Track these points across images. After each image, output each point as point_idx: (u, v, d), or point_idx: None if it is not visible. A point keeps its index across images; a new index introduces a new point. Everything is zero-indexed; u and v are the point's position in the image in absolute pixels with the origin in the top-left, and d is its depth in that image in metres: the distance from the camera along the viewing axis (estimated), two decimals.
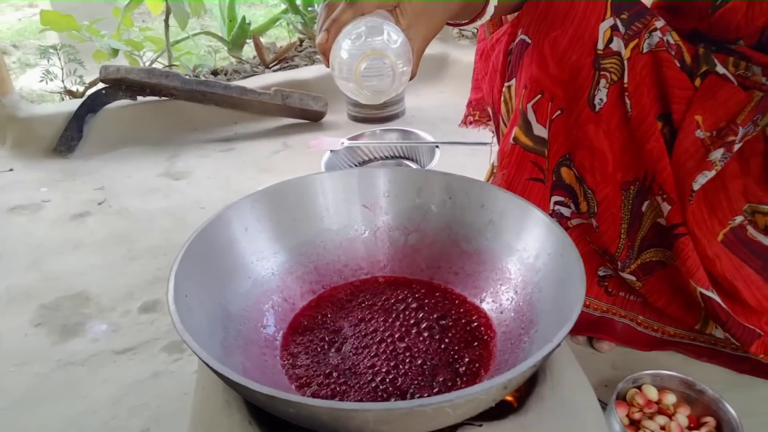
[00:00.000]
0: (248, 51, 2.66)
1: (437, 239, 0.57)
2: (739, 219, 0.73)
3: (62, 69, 2.04)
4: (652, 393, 0.75)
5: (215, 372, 0.35)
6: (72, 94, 1.95)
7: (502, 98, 0.82)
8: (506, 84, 0.80)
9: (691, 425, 0.72)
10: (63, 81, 2.04)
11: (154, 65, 2.33)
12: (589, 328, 0.90)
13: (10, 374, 0.94)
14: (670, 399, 0.75)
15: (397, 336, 0.49)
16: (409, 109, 1.95)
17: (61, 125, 1.70)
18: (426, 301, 0.53)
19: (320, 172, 0.59)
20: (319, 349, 0.48)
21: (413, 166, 1.30)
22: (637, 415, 0.73)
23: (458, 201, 0.55)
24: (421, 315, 0.51)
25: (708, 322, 0.82)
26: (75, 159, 1.68)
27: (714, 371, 0.85)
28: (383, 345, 0.48)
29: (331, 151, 1.27)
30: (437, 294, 0.54)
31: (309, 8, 2.56)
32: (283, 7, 2.74)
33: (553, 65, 0.72)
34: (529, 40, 0.75)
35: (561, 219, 0.82)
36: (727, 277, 0.73)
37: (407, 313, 0.52)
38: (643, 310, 0.89)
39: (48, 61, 2.03)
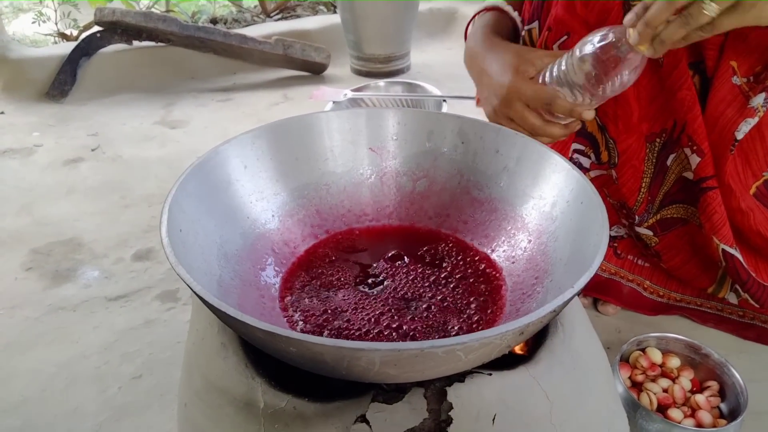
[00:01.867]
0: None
1: (447, 186, 0.54)
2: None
3: (56, 11, 1.97)
4: (656, 356, 0.74)
5: (212, 308, 0.33)
6: (66, 38, 1.88)
7: (521, 42, 0.78)
8: (527, 27, 0.77)
9: (694, 389, 0.71)
10: (56, 24, 1.97)
11: (151, 10, 2.25)
12: (595, 289, 0.89)
13: (0, 317, 0.92)
14: (674, 362, 0.73)
15: (403, 283, 0.46)
16: (415, 64, 1.90)
17: (54, 69, 1.65)
18: (433, 250, 0.51)
19: (325, 111, 0.55)
20: (320, 295, 0.46)
21: None
22: (640, 378, 0.72)
23: (471, 146, 0.52)
24: (428, 264, 0.49)
25: (723, 284, 0.80)
26: (68, 104, 1.63)
27: (718, 337, 0.84)
28: (388, 292, 0.45)
29: (334, 102, 1.22)
30: (446, 243, 0.51)
31: None
32: None
33: (581, 6, 0.69)
34: None
35: (580, 168, 0.79)
36: (761, 231, 0.71)
37: (414, 261, 0.49)
38: (651, 275, 0.87)
39: (41, 2, 1.95)
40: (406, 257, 0.50)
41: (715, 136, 0.69)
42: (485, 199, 0.51)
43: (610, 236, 0.84)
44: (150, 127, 1.52)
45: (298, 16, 2.19)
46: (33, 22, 1.91)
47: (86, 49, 1.66)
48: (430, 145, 0.54)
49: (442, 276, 0.48)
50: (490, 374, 0.37)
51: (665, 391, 0.70)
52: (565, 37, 0.70)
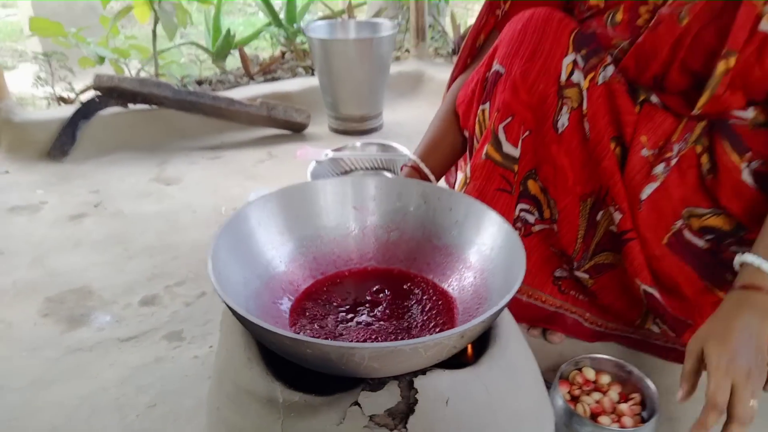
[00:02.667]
0: (231, 61, 2.77)
1: (414, 236, 0.70)
2: (679, 223, 0.87)
3: (52, 75, 2.13)
4: (590, 374, 0.89)
5: (251, 324, 0.47)
6: (64, 101, 2.03)
7: (477, 119, 0.96)
8: (481, 107, 0.94)
9: (621, 400, 0.87)
10: (53, 87, 2.12)
11: (141, 74, 2.42)
12: (544, 321, 1.04)
13: (24, 358, 1.03)
14: (604, 379, 0.89)
15: (383, 309, 0.62)
16: (387, 123, 2.09)
17: (55, 130, 1.79)
18: (405, 285, 0.66)
19: (319, 179, 0.72)
20: (320, 319, 0.61)
21: (390, 176, 1.44)
22: (577, 392, 0.87)
23: (431, 205, 0.69)
24: (401, 295, 0.64)
25: (647, 317, 0.97)
26: (68, 163, 1.77)
27: (646, 358, 1.00)
28: (372, 315, 0.61)
29: (317, 161, 1.39)
30: (414, 280, 0.67)
31: (293, 24, 2.69)
32: (266, 20, 2.87)
33: (524, 93, 0.87)
34: (502, 71, 0.89)
35: (525, 224, 0.96)
36: (671, 274, 0.88)
37: (391, 293, 0.65)
38: (590, 308, 1.03)
39: (39, 68, 2.10)
40: (385, 290, 0.65)
41: (630, 197, 0.87)
42: (442, 246, 0.68)
43: (555, 276, 1.01)
44: (146, 183, 1.67)
45: (278, 79, 2.38)
46: (32, 86, 2.05)
47: (86, 112, 1.82)
48: (400, 204, 0.70)
49: (412, 304, 0.63)
50: (445, 371, 0.52)
51: (597, 402, 0.85)
52: (510, 118, 0.88)
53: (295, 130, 2.03)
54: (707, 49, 0.78)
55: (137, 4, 2.38)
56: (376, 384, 0.51)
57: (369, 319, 0.60)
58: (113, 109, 1.86)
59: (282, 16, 2.75)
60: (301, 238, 0.67)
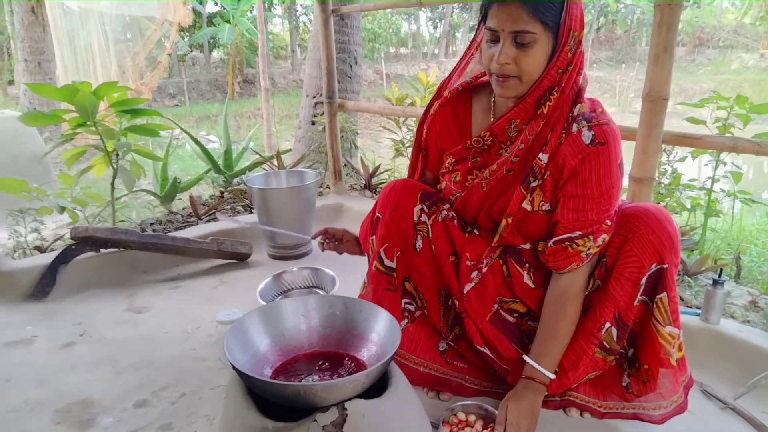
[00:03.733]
0: (177, 204, 3.22)
1: (341, 330, 1.16)
2: (495, 306, 1.39)
3: (25, 228, 2.48)
4: (461, 416, 1.34)
5: (246, 377, 0.91)
6: (40, 249, 2.38)
7: (369, 245, 1.46)
8: (371, 237, 1.45)
9: (484, 430, 1.31)
10: (26, 238, 2.47)
11: (97, 219, 2.82)
12: (435, 384, 1.49)
13: None
14: (472, 418, 1.33)
15: (326, 369, 1.07)
16: (315, 248, 2.58)
17: (37, 275, 2.13)
18: (338, 359, 1.12)
19: (280, 299, 1.17)
20: (290, 377, 1.04)
21: (322, 293, 1.91)
22: (455, 429, 1.31)
23: (349, 309, 1.16)
24: (336, 363, 1.10)
25: (494, 371, 1.46)
26: (50, 302, 2.10)
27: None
28: (319, 374, 1.05)
29: (261, 290, 1.84)
30: (341, 355, 1.13)
31: (230, 170, 3.21)
32: (207, 167, 3.38)
33: (393, 229, 1.39)
34: (380, 216, 1.41)
35: (410, 313, 1.45)
36: (493, 340, 1.38)
37: (328, 363, 1.10)
38: (469, 372, 1.50)
39: (14, 221, 2.46)
40: (326, 362, 1.10)
41: (461, 290, 1.38)
42: (358, 334, 1.14)
43: (440, 350, 1.49)
44: (121, 313, 2.03)
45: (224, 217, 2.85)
46: (8, 239, 2.39)
47: (64, 258, 2.18)
48: (331, 311, 1.17)
49: (342, 368, 1.08)
50: (362, 399, 0.97)
51: None
52: (387, 244, 1.39)
53: (241, 259, 2.47)
54: (500, 208, 1.34)
55: (96, 162, 2.83)
56: (325, 409, 0.95)
57: (318, 375, 1.05)
58: (87, 254, 2.23)
59: (220, 163, 3.28)
60: (273, 335, 1.12)
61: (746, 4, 23.07)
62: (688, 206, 2.40)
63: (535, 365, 1.27)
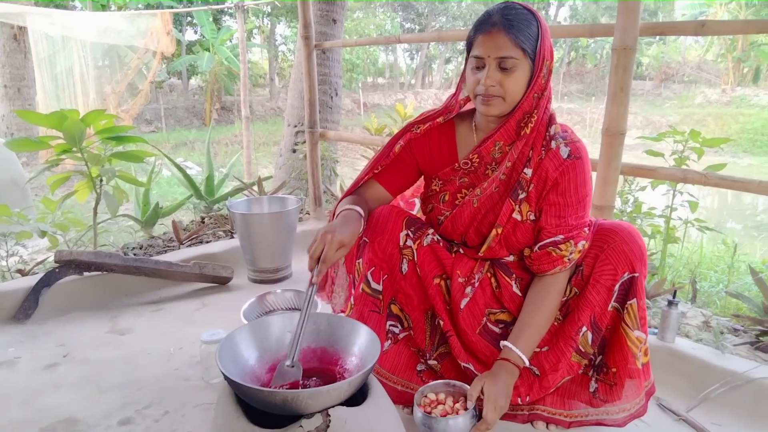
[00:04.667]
0: (158, 228, 3.27)
1: (324, 345, 1.24)
2: (484, 319, 1.49)
3: (6, 252, 2.51)
4: (432, 396, 1.36)
5: (237, 385, 0.98)
6: (21, 273, 2.40)
7: (356, 268, 1.55)
8: (357, 261, 1.54)
9: (455, 404, 1.36)
10: (7, 261, 2.49)
11: (78, 243, 2.85)
12: (412, 402, 1.57)
13: None
14: (441, 396, 1.36)
15: (312, 377, 1.14)
16: (296, 271, 2.66)
17: (19, 298, 2.16)
18: (321, 370, 1.19)
19: (266, 316, 1.25)
20: (276, 387, 1.11)
21: None
22: (428, 409, 1.35)
23: (332, 325, 1.24)
24: (320, 374, 1.17)
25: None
26: (32, 324, 2.13)
27: None
28: (307, 381, 1.13)
29: (245, 311, 1.91)
30: (325, 368, 1.20)
31: (211, 195, 3.28)
32: (187, 193, 3.44)
33: (380, 252, 1.48)
34: (367, 240, 1.51)
35: (394, 335, 1.53)
36: (483, 351, 1.47)
37: (312, 377, 1.17)
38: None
39: None
40: (311, 374, 1.18)
41: (454, 307, 1.48)
42: (340, 348, 1.23)
43: (418, 370, 1.57)
44: (104, 335, 2.07)
45: (200, 242, 2.91)
46: None
47: (47, 281, 2.22)
48: (316, 326, 1.25)
49: (327, 377, 1.16)
50: (345, 407, 1.05)
51: (442, 409, 1.35)
52: (374, 267, 1.48)
53: (222, 282, 2.53)
54: (490, 222, 1.45)
55: (79, 188, 2.88)
56: (310, 415, 1.03)
57: (305, 383, 1.13)
58: (70, 277, 2.27)
59: (202, 189, 3.35)
60: (260, 350, 1.20)
61: (708, 41, 24.17)
62: (649, 233, 2.55)
63: (512, 347, 1.37)
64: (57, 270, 2.25)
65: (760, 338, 1.79)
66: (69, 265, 2.26)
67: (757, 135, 16.95)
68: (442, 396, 1.39)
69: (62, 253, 2.25)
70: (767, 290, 1.95)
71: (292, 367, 1.14)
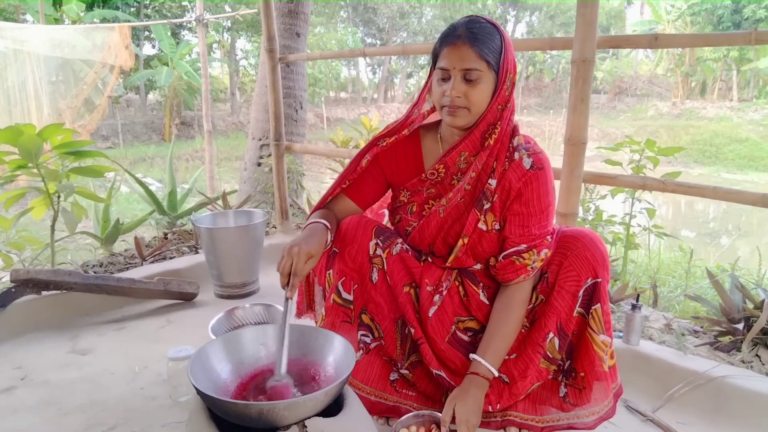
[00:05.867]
0: (119, 245, 3.18)
1: (301, 356, 1.23)
2: (453, 327, 1.50)
3: None
4: (405, 431, 1.41)
5: (211, 399, 0.96)
6: None
7: (326, 279, 1.54)
8: (327, 272, 1.54)
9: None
10: None
11: (35, 263, 2.75)
12: (386, 412, 1.57)
13: None
14: (413, 429, 1.38)
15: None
16: (263, 285, 2.63)
17: None
18: (295, 385, 1.18)
19: (239, 329, 1.23)
20: (248, 399, 1.10)
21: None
22: None
23: (307, 337, 1.23)
24: (298, 382, 1.16)
25: (446, 394, 1.55)
26: None
27: None
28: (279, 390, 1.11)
29: (213, 324, 1.87)
30: (300, 379, 1.19)
31: (174, 211, 3.22)
32: (149, 209, 3.37)
33: (350, 262, 1.48)
34: (337, 250, 1.50)
35: (366, 345, 1.53)
36: (452, 359, 1.48)
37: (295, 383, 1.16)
38: (417, 400, 1.58)
39: None
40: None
41: (423, 315, 1.48)
42: (315, 358, 1.21)
43: (391, 380, 1.57)
44: (64, 356, 1.99)
45: (163, 258, 2.84)
46: None
47: (2, 301, 2.12)
48: (292, 339, 1.24)
49: (304, 385, 1.15)
50: (321, 418, 1.04)
51: None
52: (344, 278, 1.48)
53: (187, 299, 2.47)
54: (456, 232, 1.47)
55: (35, 204, 2.78)
56: (287, 427, 1.01)
57: (279, 393, 1.11)
58: (27, 297, 2.18)
59: (165, 204, 3.28)
60: (233, 362, 1.18)
61: (658, 56, 25.20)
62: (610, 240, 2.62)
63: (480, 360, 1.38)
64: (13, 290, 2.17)
65: (719, 338, 1.86)
66: (26, 284, 2.18)
67: (706, 146, 17.76)
68: (413, 429, 1.39)
69: (19, 272, 2.17)
70: (724, 293, 2.03)
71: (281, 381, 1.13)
